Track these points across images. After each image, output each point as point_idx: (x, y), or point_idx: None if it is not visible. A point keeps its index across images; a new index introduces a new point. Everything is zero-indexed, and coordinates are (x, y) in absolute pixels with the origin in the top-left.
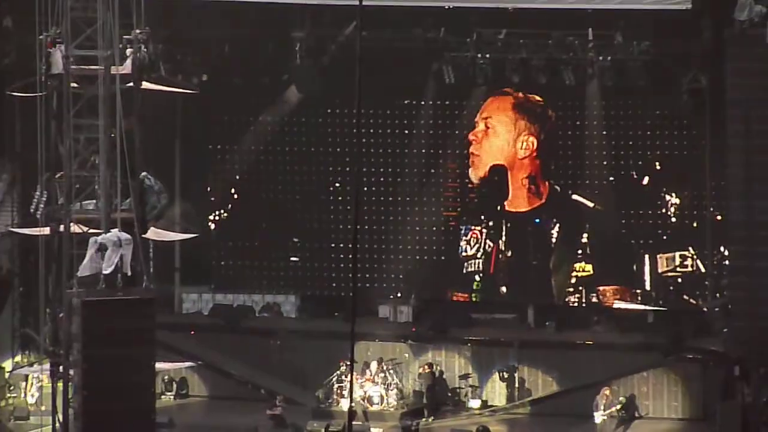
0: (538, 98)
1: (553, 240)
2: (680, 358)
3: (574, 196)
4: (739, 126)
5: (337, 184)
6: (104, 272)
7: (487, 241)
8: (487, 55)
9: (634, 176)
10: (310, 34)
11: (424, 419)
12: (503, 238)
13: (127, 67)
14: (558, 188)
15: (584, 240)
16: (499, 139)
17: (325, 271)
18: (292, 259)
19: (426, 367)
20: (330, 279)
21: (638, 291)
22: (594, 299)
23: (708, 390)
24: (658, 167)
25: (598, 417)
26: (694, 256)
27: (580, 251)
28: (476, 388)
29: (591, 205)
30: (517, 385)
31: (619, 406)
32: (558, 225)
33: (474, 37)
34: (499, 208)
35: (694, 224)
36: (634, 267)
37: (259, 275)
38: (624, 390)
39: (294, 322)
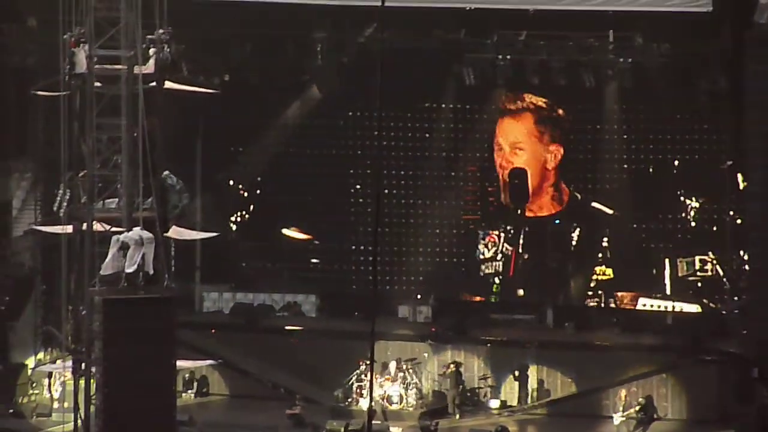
0: (544, 100)
1: (573, 244)
2: (698, 360)
3: (594, 204)
4: (759, 128)
5: (358, 186)
6: (126, 271)
7: (505, 244)
8: (508, 57)
9: (653, 179)
10: (332, 35)
11: (450, 418)
12: (521, 242)
13: (149, 67)
14: (578, 195)
15: (605, 244)
16: (529, 156)
17: (344, 271)
18: (313, 261)
19: (452, 366)
20: (350, 279)
21: (658, 294)
22: (612, 304)
23: (726, 392)
24: (677, 170)
25: (617, 418)
26: (714, 260)
27: (600, 255)
28: (495, 389)
29: (610, 212)
30: (536, 385)
31: (637, 408)
32: (578, 229)
33: (494, 39)
34: (519, 212)
35: (714, 228)
36: (654, 271)
37: (279, 275)
38: (642, 391)
39: (314, 322)
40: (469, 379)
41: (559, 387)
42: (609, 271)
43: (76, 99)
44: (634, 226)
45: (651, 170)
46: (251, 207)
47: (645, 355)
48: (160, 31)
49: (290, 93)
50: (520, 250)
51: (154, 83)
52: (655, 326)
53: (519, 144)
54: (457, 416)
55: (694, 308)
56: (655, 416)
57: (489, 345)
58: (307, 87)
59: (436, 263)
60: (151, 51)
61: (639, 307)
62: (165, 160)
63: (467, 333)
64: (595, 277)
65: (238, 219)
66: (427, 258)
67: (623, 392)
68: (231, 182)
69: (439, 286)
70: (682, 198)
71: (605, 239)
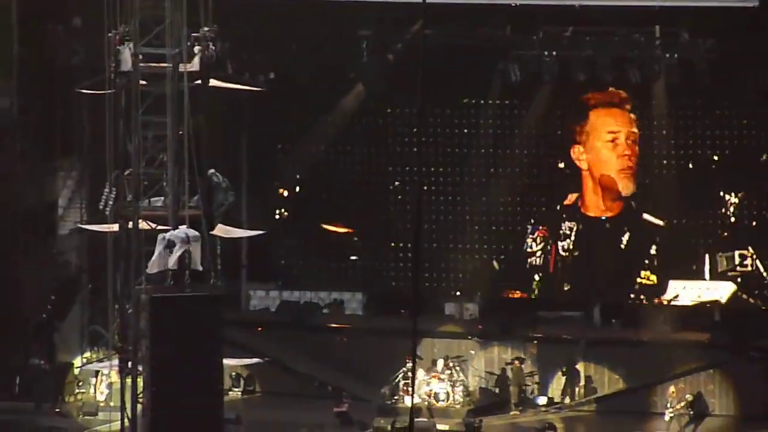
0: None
1: (623, 246)
2: (746, 356)
3: (645, 216)
4: None
5: (397, 182)
6: (170, 268)
7: (549, 240)
8: (554, 53)
9: (693, 174)
10: (377, 32)
11: (506, 414)
12: (571, 239)
13: (194, 65)
14: (633, 204)
15: (653, 252)
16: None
17: (392, 269)
18: (352, 258)
19: (516, 362)
20: (397, 277)
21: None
22: (674, 292)
23: None
24: (716, 165)
25: (668, 415)
26: (754, 255)
27: (647, 261)
28: (542, 386)
29: (661, 223)
30: (583, 382)
31: (683, 404)
32: (628, 234)
33: (540, 35)
34: (572, 210)
35: (754, 223)
36: (694, 267)
37: (324, 273)
38: (690, 388)
39: (360, 320)
40: None
41: (606, 384)
42: (653, 277)
43: (122, 97)
44: (674, 221)
45: (691, 165)
46: (293, 204)
47: (693, 351)
48: (205, 28)
49: (335, 90)
50: (571, 247)
51: (199, 81)
52: (703, 322)
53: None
54: (518, 411)
55: (734, 305)
56: (706, 412)
57: (536, 342)
58: (353, 84)
59: (481, 259)
60: (196, 49)
61: (670, 292)
62: (210, 158)
63: (514, 330)
64: (639, 280)
65: (282, 216)
66: (475, 255)
67: (672, 389)
68: (276, 180)
69: (484, 282)
70: (721, 193)
71: (654, 247)
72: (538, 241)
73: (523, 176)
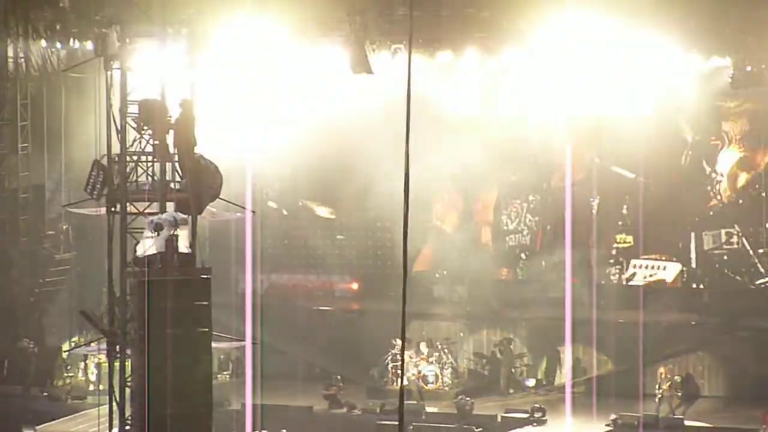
0: None
1: (594, 212)
2: (735, 336)
3: (615, 168)
4: None
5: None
6: (159, 252)
7: (528, 215)
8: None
9: (682, 153)
10: (363, 15)
11: (496, 395)
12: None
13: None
14: (598, 160)
15: (624, 211)
16: None
17: (380, 248)
18: (338, 237)
19: (506, 342)
20: (385, 258)
21: (684, 269)
22: (633, 270)
23: (764, 368)
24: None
25: (657, 396)
26: (740, 234)
27: (620, 222)
28: (531, 367)
29: (632, 175)
30: (572, 364)
31: (668, 384)
32: (599, 197)
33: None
34: (545, 186)
35: (740, 201)
36: (680, 245)
37: (312, 255)
38: (679, 369)
39: (349, 302)
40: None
41: (595, 365)
42: (629, 238)
43: (109, 79)
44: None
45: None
46: (278, 187)
47: (681, 332)
48: (192, 11)
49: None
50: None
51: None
52: (692, 303)
53: None
54: (508, 392)
55: (720, 284)
56: (695, 393)
57: (525, 323)
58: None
59: (471, 240)
60: (184, 31)
61: (630, 269)
62: (198, 141)
63: (503, 312)
64: (615, 245)
65: (267, 197)
66: (463, 234)
67: (661, 370)
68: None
69: (473, 265)
70: (708, 171)
71: (625, 207)
72: (513, 217)
73: (515, 154)
